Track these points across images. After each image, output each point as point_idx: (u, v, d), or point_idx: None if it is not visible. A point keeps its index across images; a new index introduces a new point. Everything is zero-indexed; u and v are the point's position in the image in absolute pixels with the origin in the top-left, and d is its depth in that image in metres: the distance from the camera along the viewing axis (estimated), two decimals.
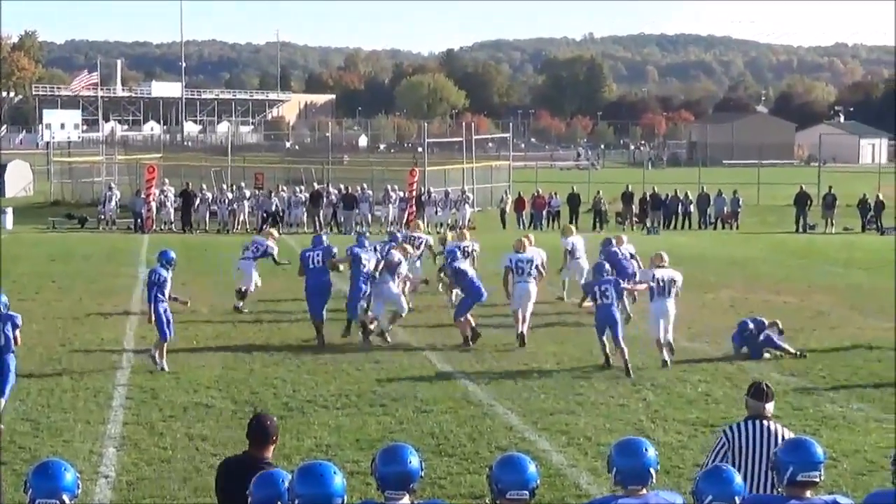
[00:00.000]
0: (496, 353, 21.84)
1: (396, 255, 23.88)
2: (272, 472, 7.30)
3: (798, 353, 21.59)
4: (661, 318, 20.84)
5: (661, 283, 20.88)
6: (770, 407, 9.58)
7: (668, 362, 20.65)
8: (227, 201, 52.68)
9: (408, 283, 24.83)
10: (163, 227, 52.06)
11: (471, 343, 22.54)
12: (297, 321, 25.25)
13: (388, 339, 22.98)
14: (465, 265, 23.95)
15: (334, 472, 6.56)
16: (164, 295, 20.23)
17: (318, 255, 23.57)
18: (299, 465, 6.86)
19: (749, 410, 9.61)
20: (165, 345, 20.12)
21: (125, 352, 21.57)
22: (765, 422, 9.46)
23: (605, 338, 20.61)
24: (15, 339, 16.79)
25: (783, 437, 9.24)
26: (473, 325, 22.93)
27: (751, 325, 22.00)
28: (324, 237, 25.79)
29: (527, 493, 6.91)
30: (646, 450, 7.31)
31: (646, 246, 36.16)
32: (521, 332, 22.77)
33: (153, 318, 20.06)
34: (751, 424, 9.46)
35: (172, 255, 21.09)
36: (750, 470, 9.25)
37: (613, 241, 27.03)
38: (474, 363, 20.80)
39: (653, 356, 21.13)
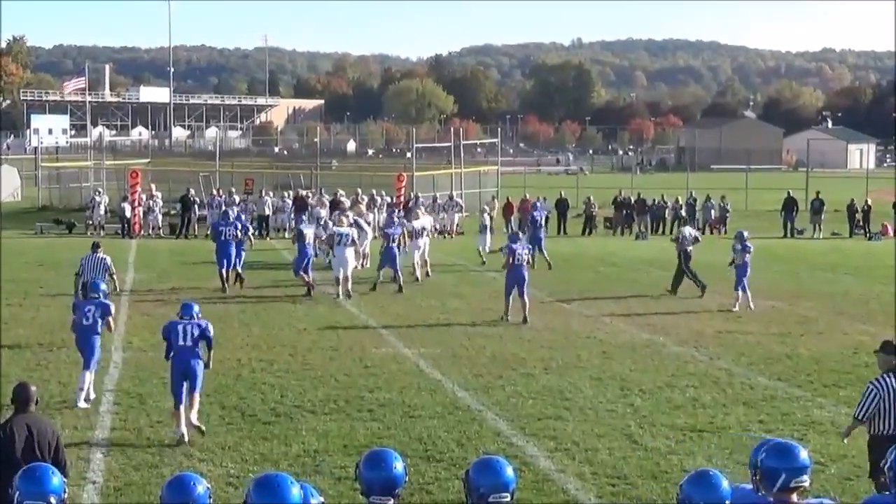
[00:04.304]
0: (485, 358, 21.84)
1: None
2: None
3: None
4: (415, 249, 33.22)
5: (415, 229, 33.27)
6: None
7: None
8: (218, 205, 52.48)
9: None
10: (150, 233, 51.94)
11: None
12: (286, 325, 25.29)
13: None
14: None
15: (291, 483, 6.47)
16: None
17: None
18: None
19: (884, 364, 12.61)
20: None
21: (113, 357, 21.49)
22: None
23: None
24: (107, 324, 18.59)
25: None
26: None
27: None
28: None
29: (507, 495, 6.86)
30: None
31: (639, 251, 36.34)
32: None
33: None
34: (892, 377, 12.27)
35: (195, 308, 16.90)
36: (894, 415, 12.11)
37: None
38: (463, 369, 20.78)
39: (642, 361, 21.28)
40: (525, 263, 26.62)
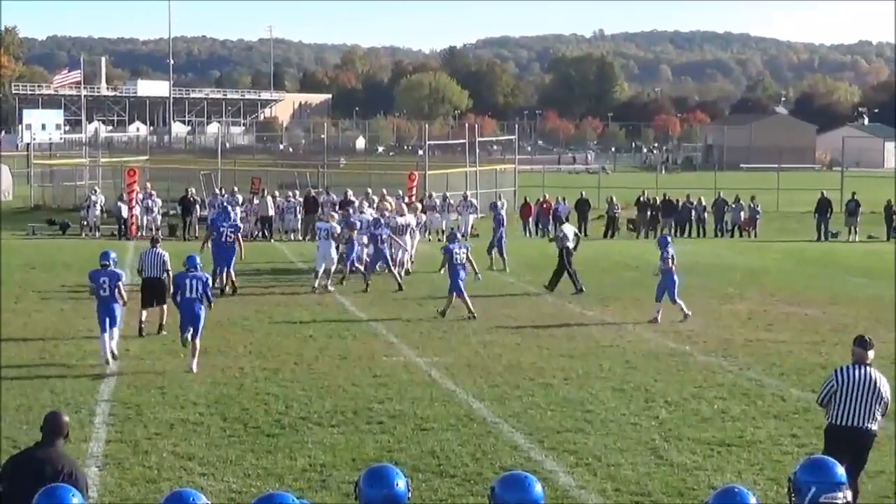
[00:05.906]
0: (501, 367, 21.82)
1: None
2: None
3: None
4: (399, 246, 34.53)
5: (398, 226, 34.66)
6: (871, 354, 13.06)
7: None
8: (220, 205, 52.40)
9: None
10: (146, 234, 51.93)
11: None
12: (291, 332, 25.29)
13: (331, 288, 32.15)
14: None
15: (291, 502, 6.53)
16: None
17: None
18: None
19: (854, 357, 13.05)
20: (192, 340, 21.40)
21: (108, 366, 21.48)
22: (866, 367, 12.92)
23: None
24: (120, 293, 22.02)
25: (879, 381, 12.88)
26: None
27: None
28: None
29: None
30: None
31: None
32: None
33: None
34: (856, 368, 12.88)
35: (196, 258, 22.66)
36: (852, 406, 12.77)
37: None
38: (478, 379, 20.76)
39: (667, 370, 21.27)
40: (464, 262, 28.40)
